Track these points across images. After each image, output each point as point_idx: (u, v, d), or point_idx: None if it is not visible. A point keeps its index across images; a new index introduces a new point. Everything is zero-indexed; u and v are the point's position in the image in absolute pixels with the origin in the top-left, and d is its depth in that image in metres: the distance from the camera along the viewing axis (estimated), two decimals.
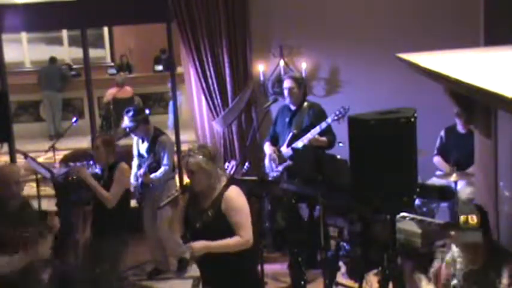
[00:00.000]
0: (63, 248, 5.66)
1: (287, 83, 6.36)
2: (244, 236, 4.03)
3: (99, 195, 5.39)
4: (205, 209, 4.09)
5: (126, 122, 6.27)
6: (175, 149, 7.12)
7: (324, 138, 6.13)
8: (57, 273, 5.49)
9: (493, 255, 3.67)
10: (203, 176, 4.05)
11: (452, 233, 3.75)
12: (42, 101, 13.01)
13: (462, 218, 3.58)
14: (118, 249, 5.52)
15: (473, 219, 3.55)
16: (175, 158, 6.98)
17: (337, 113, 6.03)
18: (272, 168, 6.46)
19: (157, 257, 6.55)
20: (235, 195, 4.10)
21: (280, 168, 6.37)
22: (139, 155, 6.42)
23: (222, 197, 4.05)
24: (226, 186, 4.10)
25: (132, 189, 6.38)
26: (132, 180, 6.40)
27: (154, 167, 6.24)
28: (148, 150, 6.29)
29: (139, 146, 6.43)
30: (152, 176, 6.22)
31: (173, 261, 6.61)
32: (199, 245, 4.00)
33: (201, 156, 4.03)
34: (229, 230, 4.04)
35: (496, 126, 3.75)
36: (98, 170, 5.71)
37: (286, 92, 6.35)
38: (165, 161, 6.21)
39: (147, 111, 6.57)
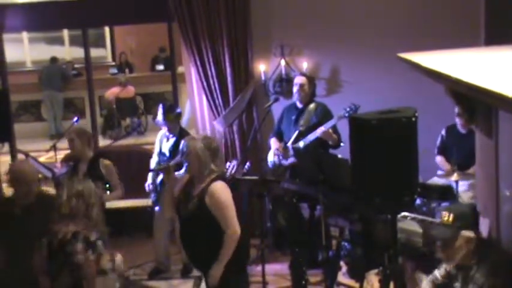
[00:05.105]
0: None
1: (298, 80, 6.42)
2: (229, 231, 4.21)
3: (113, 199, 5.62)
4: (193, 197, 4.30)
5: (160, 119, 6.24)
6: None
7: (334, 135, 6.15)
8: None
9: (480, 255, 3.71)
10: (195, 161, 4.25)
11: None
12: (43, 101, 13.03)
13: (442, 215, 3.85)
14: None
15: (448, 216, 3.68)
16: None
17: (348, 109, 6.04)
18: (279, 161, 6.43)
19: (160, 257, 6.53)
20: (219, 190, 4.25)
21: (288, 161, 6.35)
22: (161, 153, 6.33)
23: (207, 190, 4.23)
24: (213, 180, 4.26)
25: (147, 188, 6.38)
26: (150, 178, 6.39)
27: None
28: (172, 150, 6.18)
29: (163, 144, 6.33)
30: (176, 174, 6.17)
31: (179, 263, 6.55)
32: (214, 274, 4.24)
33: (201, 144, 4.25)
34: (212, 222, 4.21)
35: (497, 125, 3.75)
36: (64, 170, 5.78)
37: (295, 88, 6.39)
38: None
39: (178, 109, 6.45)
